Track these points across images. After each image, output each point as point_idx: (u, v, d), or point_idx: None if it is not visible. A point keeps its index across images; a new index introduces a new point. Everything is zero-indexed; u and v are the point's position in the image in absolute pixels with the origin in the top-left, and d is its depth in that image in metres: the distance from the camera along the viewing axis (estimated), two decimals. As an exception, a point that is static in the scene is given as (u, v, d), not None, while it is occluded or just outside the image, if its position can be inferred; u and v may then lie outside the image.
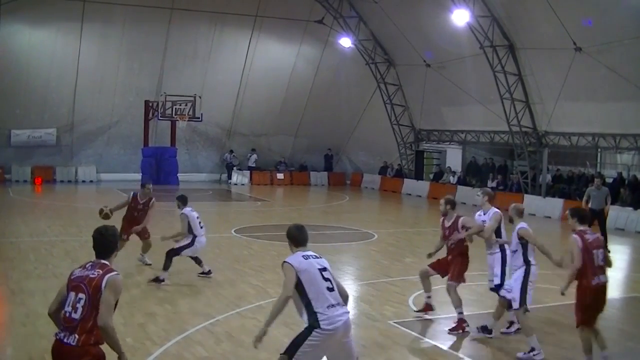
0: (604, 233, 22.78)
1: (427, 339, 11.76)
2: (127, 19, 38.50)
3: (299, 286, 7.57)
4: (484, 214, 12.56)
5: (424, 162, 46.14)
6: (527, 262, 11.33)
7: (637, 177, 31.75)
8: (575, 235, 10.13)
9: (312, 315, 7.49)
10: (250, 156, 45.96)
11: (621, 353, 11.84)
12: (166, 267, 15.34)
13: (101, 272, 6.69)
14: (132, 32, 39.26)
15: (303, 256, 7.79)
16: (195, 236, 15.74)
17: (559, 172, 36.32)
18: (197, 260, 16.15)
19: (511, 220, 11.73)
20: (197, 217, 16.03)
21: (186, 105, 40.05)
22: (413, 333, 12.01)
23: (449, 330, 12.25)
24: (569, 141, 33.29)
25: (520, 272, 11.31)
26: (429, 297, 13.16)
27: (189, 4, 38.98)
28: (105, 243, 7.08)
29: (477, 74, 35.54)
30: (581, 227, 10.27)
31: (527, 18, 31.76)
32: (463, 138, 40.80)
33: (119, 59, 39.92)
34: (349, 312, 7.76)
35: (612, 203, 24.13)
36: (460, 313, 12.33)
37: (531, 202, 33.39)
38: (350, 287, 15.99)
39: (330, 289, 7.65)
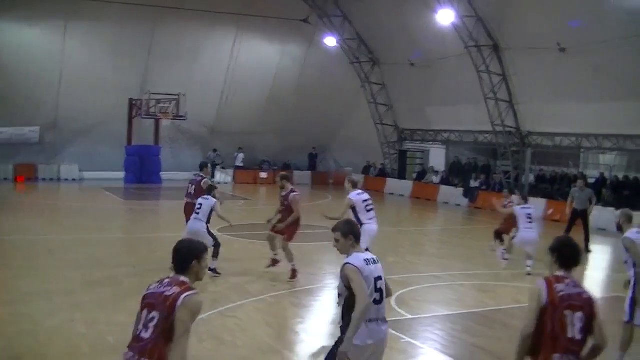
0: (586, 233, 22.96)
1: (407, 338, 11.73)
2: (112, 17, 38.19)
3: (352, 292, 6.87)
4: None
5: (407, 162, 46.23)
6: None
7: (619, 178, 31.92)
8: (540, 282, 6.51)
9: (345, 325, 6.95)
10: (237, 155, 45.84)
11: (603, 353, 11.84)
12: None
13: (178, 290, 6.06)
14: (117, 30, 38.95)
15: (365, 260, 7.07)
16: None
17: (542, 172, 36.46)
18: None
19: (620, 228, 10.98)
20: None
21: (170, 103, 39.96)
22: (394, 332, 11.98)
23: (289, 279, 15.61)
24: (552, 141, 33.41)
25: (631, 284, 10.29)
26: (275, 254, 16.28)
27: (174, 2, 38.71)
28: (179, 258, 6.42)
29: (461, 74, 35.58)
30: (560, 273, 6.55)
31: (512, 18, 31.84)
32: (446, 138, 40.88)
33: (104, 57, 39.59)
34: (386, 329, 7.19)
35: (595, 203, 24.24)
36: (294, 265, 15.79)
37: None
38: (332, 286, 15.96)
39: (378, 302, 7.05)
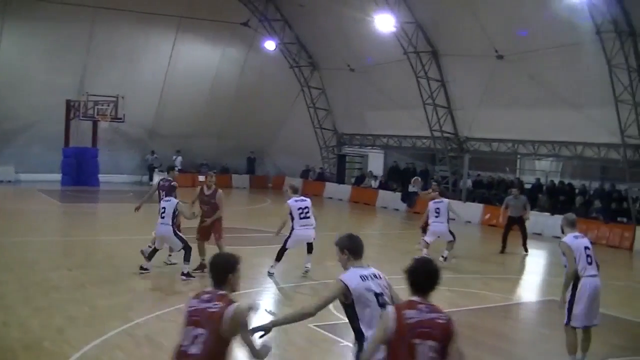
0: (524, 237, 23.34)
1: (345, 342, 11.71)
2: (49, 16, 37.53)
3: (351, 309, 6.97)
4: None
5: (346, 166, 46.39)
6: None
7: (555, 183, 32.41)
8: (389, 308, 6.17)
9: (359, 343, 6.96)
10: (175, 158, 45.48)
11: (539, 356, 12.01)
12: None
13: (221, 304, 6.16)
14: (54, 29, 38.23)
15: (361, 276, 6.98)
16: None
17: (479, 178, 36.84)
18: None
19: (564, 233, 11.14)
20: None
21: (108, 105, 39.44)
22: (333, 336, 11.98)
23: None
24: (490, 147, 33.80)
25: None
26: (203, 259, 16.25)
27: (113, 3, 38.24)
28: (216, 272, 6.51)
29: (400, 79, 35.80)
30: (414, 298, 6.09)
31: (451, 25, 32.15)
32: (385, 142, 41.09)
33: (40, 57, 38.89)
34: None
35: (531, 209, 24.58)
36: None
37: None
38: (271, 290, 15.95)
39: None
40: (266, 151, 49.86)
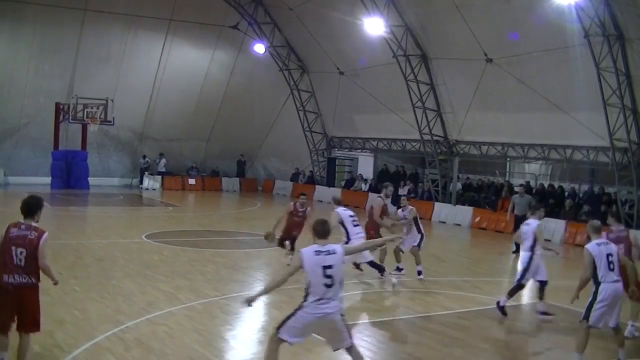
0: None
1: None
2: (38, 18, 37.54)
3: (305, 272, 8.70)
4: None
5: (336, 169, 46.38)
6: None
7: (545, 186, 32.49)
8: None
9: (304, 298, 8.76)
10: (159, 161, 45.46)
11: (529, 358, 12.04)
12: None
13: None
14: (43, 32, 38.25)
15: (315, 251, 8.69)
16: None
17: (468, 181, 36.96)
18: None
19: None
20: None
21: (98, 108, 39.34)
22: (322, 339, 11.97)
23: None
24: (479, 150, 33.85)
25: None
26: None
27: (102, 5, 38.33)
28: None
29: (390, 83, 35.91)
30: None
31: (440, 29, 32.20)
32: (375, 146, 41.14)
33: (29, 60, 38.87)
34: (338, 307, 8.72)
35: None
36: None
37: (441, 209, 33.99)
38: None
39: (328, 285, 8.60)
40: (256, 154, 49.84)
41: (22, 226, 9.28)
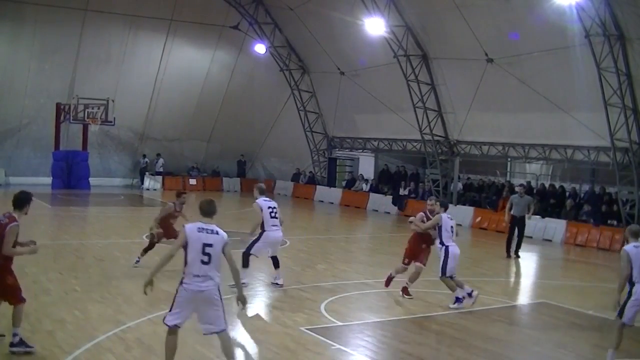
0: (519, 239, 23.39)
1: (338, 345, 11.73)
2: (38, 19, 37.56)
3: (185, 248, 9.17)
4: None
5: (337, 169, 46.37)
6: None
7: (546, 186, 32.46)
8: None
9: (183, 275, 9.24)
10: (156, 161, 45.49)
11: (530, 358, 12.03)
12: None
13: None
14: (44, 32, 38.29)
15: (199, 228, 9.22)
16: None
17: (469, 181, 36.92)
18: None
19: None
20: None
21: (99, 108, 39.34)
22: (325, 339, 11.97)
23: None
24: (480, 150, 33.82)
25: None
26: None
27: (103, 5, 38.35)
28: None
29: (390, 83, 35.90)
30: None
31: (441, 29, 32.18)
32: (376, 146, 41.13)
33: (30, 60, 38.91)
34: (215, 287, 9.15)
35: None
36: None
37: (442, 210, 33.91)
38: (262, 293, 15.93)
39: (205, 263, 9.10)
40: (257, 154, 49.86)
41: (6, 214, 10.29)
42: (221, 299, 9.27)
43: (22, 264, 17.42)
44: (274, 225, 15.84)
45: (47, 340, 11.07)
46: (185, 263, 9.20)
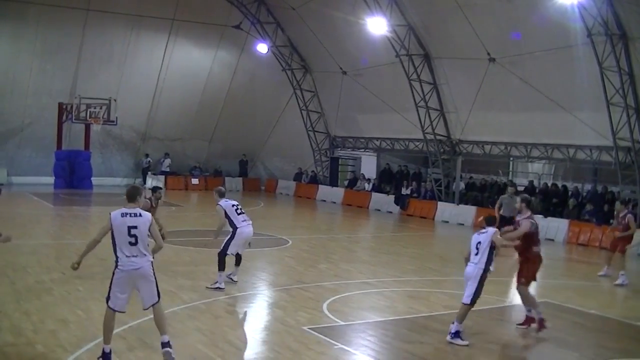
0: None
1: (340, 344, 11.72)
2: (40, 18, 37.56)
3: (112, 233, 9.78)
4: None
5: (339, 169, 46.39)
6: None
7: (548, 186, 32.44)
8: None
9: (115, 259, 9.86)
10: (163, 160, 45.50)
11: (532, 357, 12.03)
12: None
13: None
14: (46, 32, 38.28)
15: (122, 213, 9.85)
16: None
17: (472, 180, 36.91)
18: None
19: None
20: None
21: (101, 108, 39.33)
22: (327, 339, 11.97)
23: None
24: (482, 150, 33.83)
25: None
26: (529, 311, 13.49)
27: (105, 5, 38.32)
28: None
29: (392, 82, 35.90)
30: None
31: (443, 28, 32.18)
32: (378, 145, 41.15)
33: (32, 60, 38.89)
34: (147, 263, 9.88)
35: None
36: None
37: (444, 209, 33.97)
38: (264, 292, 15.94)
39: (133, 244, 9.75)
40: (259, 154, 49.85)
41: None
42: (154, 274, 10.03)
43: (25, 264, 17.51)
44: (244, 221, 15.95)
45: (49, 339, 11.07)
46: (115, 247, 9.80)
